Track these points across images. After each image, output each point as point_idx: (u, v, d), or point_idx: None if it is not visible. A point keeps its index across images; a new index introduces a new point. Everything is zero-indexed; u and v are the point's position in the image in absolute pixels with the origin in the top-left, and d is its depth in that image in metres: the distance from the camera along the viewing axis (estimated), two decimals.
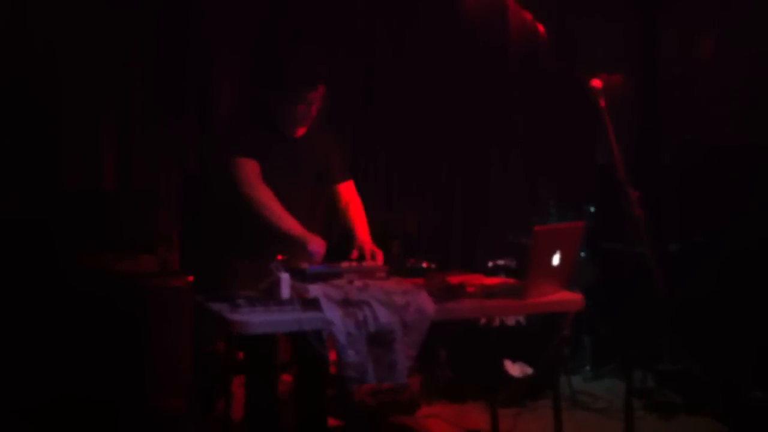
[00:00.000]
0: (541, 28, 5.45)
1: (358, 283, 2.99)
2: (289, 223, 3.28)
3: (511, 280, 3.44)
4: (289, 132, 3.42)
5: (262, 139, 3.38)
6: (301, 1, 4.69)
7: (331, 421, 3.62)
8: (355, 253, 3.38)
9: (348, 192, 3.62)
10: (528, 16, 5.42)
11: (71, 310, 3.47)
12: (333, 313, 2.75)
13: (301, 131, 3.43)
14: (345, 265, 3.18)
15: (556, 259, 3.07)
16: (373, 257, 3.34)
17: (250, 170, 3.33)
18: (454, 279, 3.16)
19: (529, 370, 4.36)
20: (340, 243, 3.56)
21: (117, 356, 3.48)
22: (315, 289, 2.84)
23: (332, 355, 3.16)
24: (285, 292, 2.80)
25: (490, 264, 4.54)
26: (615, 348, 4.73)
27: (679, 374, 4.50)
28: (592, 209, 4.88)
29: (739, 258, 4.57)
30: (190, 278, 3.45)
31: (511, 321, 4.38)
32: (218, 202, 3.62)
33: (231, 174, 3.34)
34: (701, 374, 4.39)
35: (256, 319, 2.70)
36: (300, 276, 2.96)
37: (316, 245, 3.24)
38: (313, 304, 2.78)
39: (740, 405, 4.11)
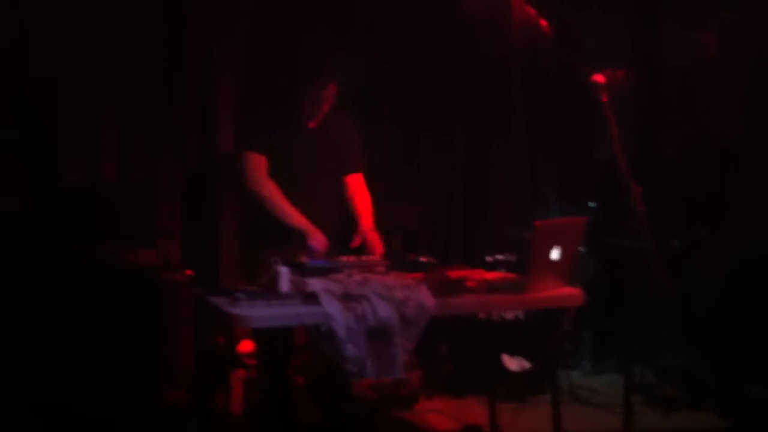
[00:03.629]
0: (544, 23, 5.43)
1: (357, 277, 2.99)
2: (293, 217, 3.32)
3: (511, 275, 3.44)
4: (304, 121, 3.47)
5: (275, 132, 3.44)
6: None
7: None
8: (356, 241, 3.39)
9: (355, 184, 3.64)
10: (531, 11, 5.40)
11: (72, 303, 3.48)
12: (332, 308, 2.75)
13: (311, 124, 3.48)
14: (345, 259, 3.18)
15: (555, 254, 3.07)
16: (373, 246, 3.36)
17: (255, 166, 3.40)
18: (454, 274, 3.16)
19: (527, 365, 4.36)
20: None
21: (118, 349, 3.49)
22: (314, 284, 2.84)
23: None
24: (284, 286, 2.80)
25: (489, 259, 4.53)
26: (615, 343, 4.73)
27: (680, 369, 4.49)
28: (594, 204, 4.87)
29: (741, 253, 4.57)
30: (188, 272, 3.46)
31: (510, 315, 4.38)
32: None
33: (238, 168, 3.41)
34: (702, 369, 4.38)
35: (256, 313, 2.71)
36: (299, 270, 2.96)
37: (317, 241, 3.25)
38: (312, 298, 2.78)
39: (740, 400, 4.11)
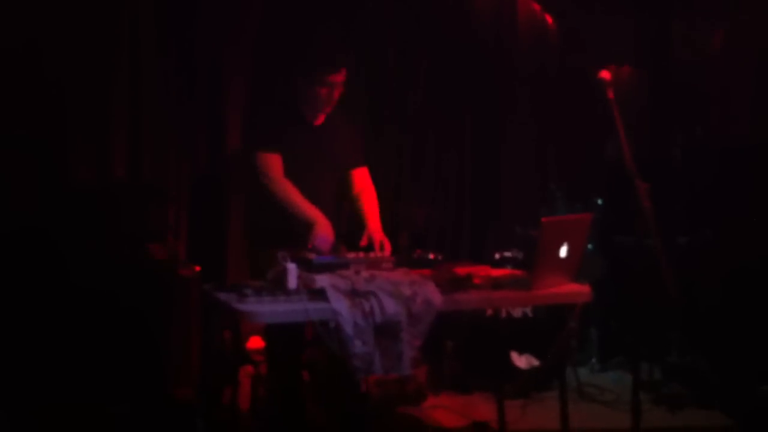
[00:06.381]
0: (549, 19, 5.44)
1: (365, 273, 2.99)
2: (303, 208, 3.33)
3: (518, 272, 3.44)
4: (310, 116, 3.48)
5: (284, 128, 3.44)
6: None
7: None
8: (364, 240, 3.40)
9: (361, 179, 3.65)
10: (536, 7, 5.41)
11: (79, 301, 3.49)
12: (340, 304, 2.75)
13: (321, 116, 3.49)
14: (352, 255, 3.18)
15: (563, 251, 3.07)
16: (382, 248, 3.36)
17: (270, 164, 3.40)
18: (461, 270, 3.16)
19: (535, 362, 4.37)
20: (350, 231, 3.58)
21: (125, 346, 3.50)
22: (322, 280, 2.84)
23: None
24: (292, 282, 2.81)
25: (497, 255, 4.54)
26: (622, 340, 4.73)
27: (687, 367, 4.49)
28: (601, 202, 4.87)
29: (748, 251, 4.56)
30: (197, 268, 3.47)
31: (518, 312, 4.39)
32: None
33: (252, 168, 3.41)
34: (709, 368, 4.38)
35: (264, 309, 2.71)
36: (307, 266, 2.97)
37: (324, 230, 3.26)
38: (320, 294, 2.78)
39: (748, 398, 4.10)
